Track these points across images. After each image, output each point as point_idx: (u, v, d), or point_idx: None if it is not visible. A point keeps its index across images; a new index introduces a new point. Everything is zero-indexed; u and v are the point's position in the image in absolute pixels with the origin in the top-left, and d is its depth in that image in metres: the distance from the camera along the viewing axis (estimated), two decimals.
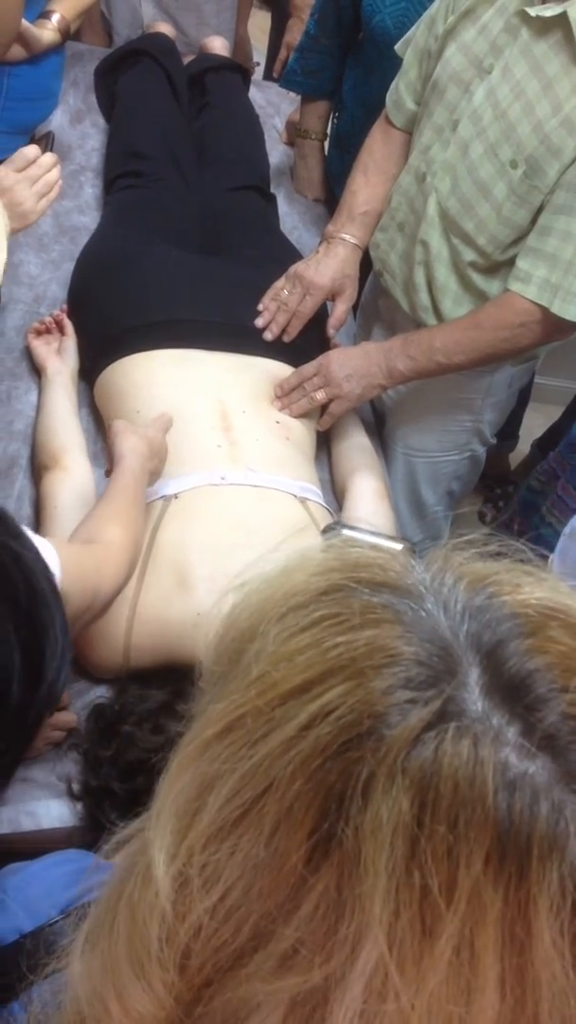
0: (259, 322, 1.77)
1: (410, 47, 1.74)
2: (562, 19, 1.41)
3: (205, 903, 0.42)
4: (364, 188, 1.81)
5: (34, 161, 1.50)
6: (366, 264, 1.90)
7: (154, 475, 1.48)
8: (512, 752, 0.40)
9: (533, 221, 1.55)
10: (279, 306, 1.77)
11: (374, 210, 1.80)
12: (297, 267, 1.79)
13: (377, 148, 1.82)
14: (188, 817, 0.44)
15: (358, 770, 0.40)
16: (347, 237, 1.80)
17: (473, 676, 0.42)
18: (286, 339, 1.77)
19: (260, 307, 1.78)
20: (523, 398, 2.76)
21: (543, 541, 1.90)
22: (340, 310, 1.82)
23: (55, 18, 2.00)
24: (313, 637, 0.44)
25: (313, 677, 0.42)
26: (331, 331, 1.84)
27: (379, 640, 0.43)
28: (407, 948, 0.38)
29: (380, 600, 0.45)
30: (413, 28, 1.75)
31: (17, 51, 1.91)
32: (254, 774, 0.42)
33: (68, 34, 2.06)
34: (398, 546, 0.89)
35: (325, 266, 1.77)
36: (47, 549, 0.91)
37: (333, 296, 1.81)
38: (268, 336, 1.77)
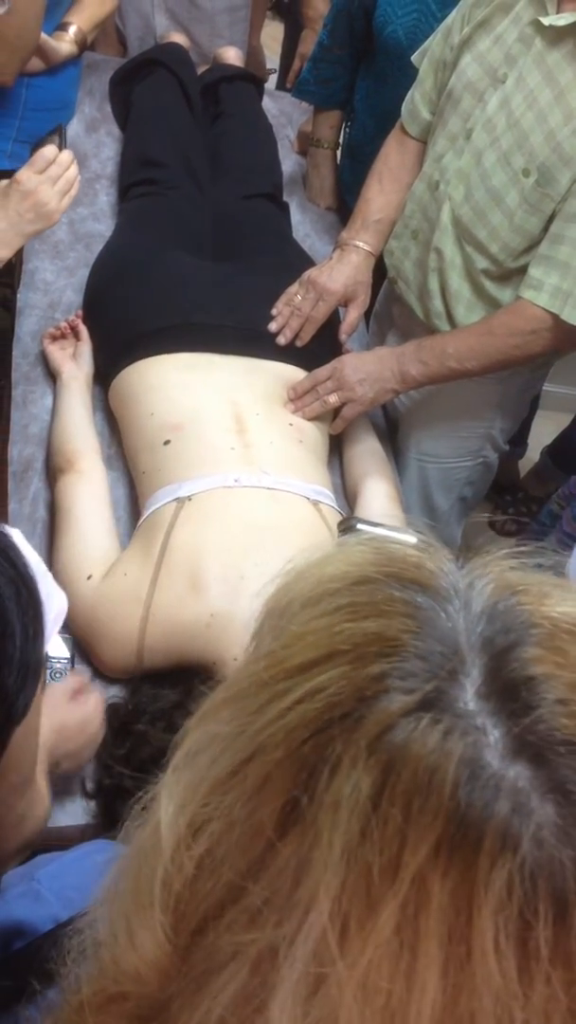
0: (272, 326, 1.79)
1: (426, 57, 1.76)
2: (574, 28, 1.43)
3: (193, 852, 0.44)
4: (378, 196, 1.83)
5: (53, 160, 1.52)
6: (380, 271, 1.92)
7: None
8: (488, 751, 0.40)
9: (545, 229, 1.56)
10: (292, 311, 1.78)
11: (388, 218, 1.82)
12: (311, 273, 1.81)
13: (392, 157, 1.84)
14: (192, 771, 0.46)
15: (332, 747, 0.41)
16: (360, 244, 1.82)
17: (472, 675, 0.42)
18: (299, 343, 1.79)
19: (274, 311, 1.80)
20: (532, 405, 2.77)
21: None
22: (352, 316, 1.83)
23: (72, 30, 2.02)
24: (329, 621, 0.45)
25: (316, 657, 0.44)
26: (343, 337, 1.86)
27: (387, 631, 0.44)
28: (350, 920, 0.39)
29: (404, 595, 0.46)
30: (430, 39, 1.77)
31: (36, 63, 1.93)
32: (248, 739, 0.44)
33: (85, 46, 2.08)
34: (412, 538, 0.91)
35: (339, 272, 1.79)
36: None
37: (346, 302, 1.82)
38: (281, 340, 1.78)
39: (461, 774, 0.39)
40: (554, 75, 1.47)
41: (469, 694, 0.42)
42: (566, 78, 1.46)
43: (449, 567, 0.49)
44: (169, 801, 0.46)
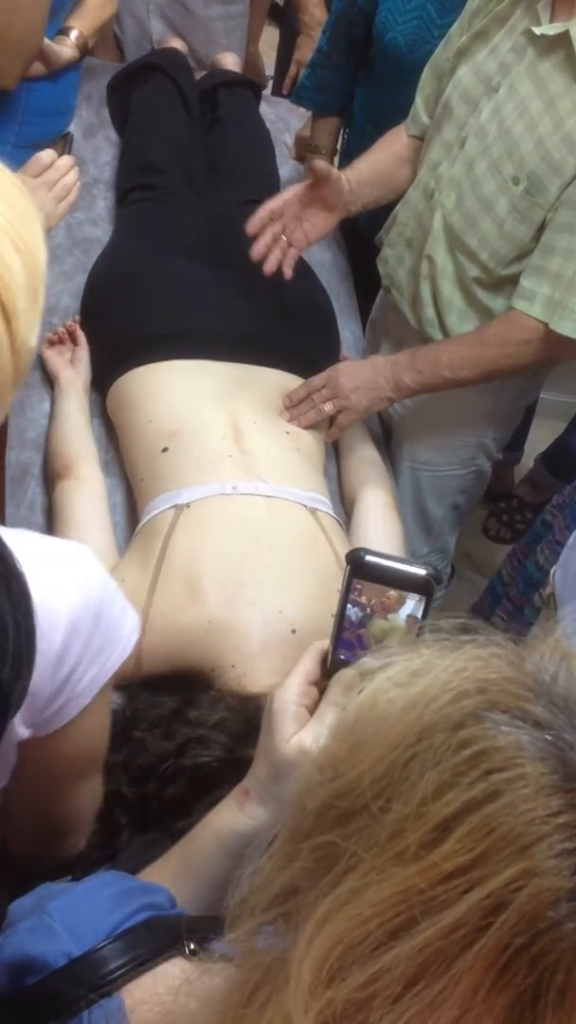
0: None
1: (428, 63, 1.77)
2: (564, 37, 1.44)
3: None
4: (359, 162, 1.86)
5: (50, 165, 1.51)
6: (378, 279, 1.93)
7: None
8: None
9: (535, 239, 1.57)
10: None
11: (358, 175, 1.82)
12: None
13: (379, 143, 1.88)
14: (335, 992, 0.42)
15: (552, 974, 0.39)
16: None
17: None
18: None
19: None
20: (528, 413, 2.78)
21: (530, 580, 1.91)
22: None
23: (73, 34, 2.02)
24: (464, 796, 0.42)
25: (475, 859, 0.41)
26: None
27: (536, 808, 0.41)
28: None
29: (518, 738, 0.44)
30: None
31: (37, 67, 1.93)
32: (426, 962, 0.41)
33: (86, 50, 2.08)
34: (422, 571, 0.91)
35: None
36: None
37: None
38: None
39: None
40: (545, 84, 1.48)
41: None
42: (556, 87, 1.47)
43: (536, 673, 0.47)
44: (308, 1008, 0.43)
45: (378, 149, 1.87)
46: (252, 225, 1.76)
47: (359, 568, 0.90)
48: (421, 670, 0.48)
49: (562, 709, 0.45)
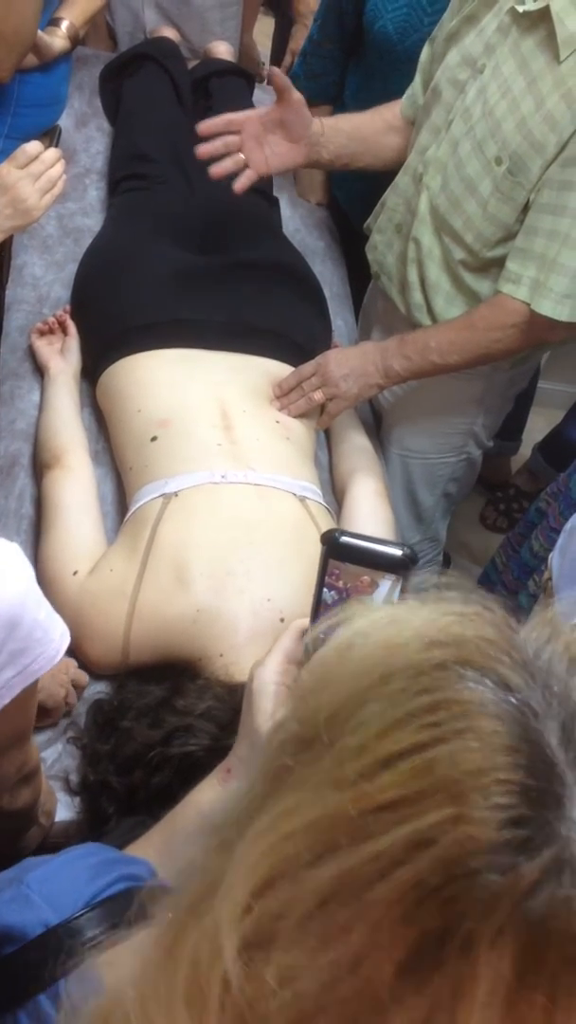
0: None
1: (426, 44, 1.77)
2: (546, 14, 1.43)
3: (276, 1002, 0.41)
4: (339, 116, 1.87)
5: (36, 157, 1.50)
6: (368, 268, 1.92)
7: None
8: None
9: (519, 220, 1.56)
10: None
11: (336, 126, 1.81)
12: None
13: (370, 110, 1.86)
14: (262, 906, 0.43)
15: (461, 920, 0.38)
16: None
17: None
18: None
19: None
20: (526, 402, 2.77)
21: (524, 567, 1.91)
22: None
23: (64, 25, 2.02)
24: (409, 737, 0.42)
25: (409, 795, 0.41)
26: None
27: (480, 759, 0.41)
28: None
29: (482, 694, 0.43)
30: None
31: (29, 59, 1.93)
32: (340, 886, 0.41)
33: (77, 40, 2.08)
34: (397, 551, 0.90)
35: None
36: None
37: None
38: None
39: None
40: (527, 63, 1.47)
41: None
42: (538, 65, 1.46)
43: (516, 639, 0.46)
44: (232, 934, 0.42)
45: (365, 113, 1.86)
46: (205, 126, 1.73)
47: (334, 549, 0.89)
48: (402, 617, 0.48)
49: (536, 680, 0.44)
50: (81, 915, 0.74)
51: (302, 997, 0.40)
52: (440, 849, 0.39)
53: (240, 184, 1.74)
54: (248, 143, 1.74)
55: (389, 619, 0.48)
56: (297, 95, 1.71)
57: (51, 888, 0.78)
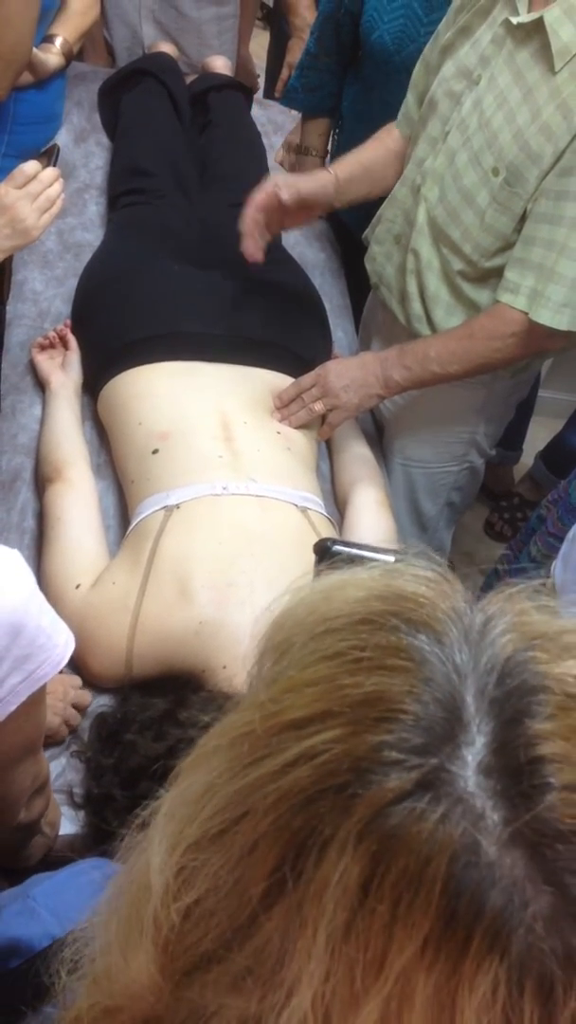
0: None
1: (419, 60, 1.78)
2: (540, 25, 1.44)
3: (180, 903, 0.43)
4: (347, 157, 1.88)
5: (34, 177, 1.50)
6: (367, 279, 1.92)
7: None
8: (485, 838, 0.38)
9: (517, 230, 1.57)
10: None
11: (347, 171, 1.84)
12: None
13: (371, 139, 1.88)
14: (183, 819, 0.45)
15: (323, 823, 0.39)
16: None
17: (475, 747, 0.40)
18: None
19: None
20: (526, 411, 2.78)
21: (523, 573, 1.90)
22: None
23: (58, 42, 2.03)
24: (329, 670, 0.43)
25: (312, 715, 0.42)
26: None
27: (389, 691, 0.42)
28: (332, 1011, 0.38)
29: (410, 642, 0.44)
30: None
31: (25, 76, 1.94)
32: (237, 797, 0.42)
33: (72, 57, 2.09)
34: (390, 558, 0.90)
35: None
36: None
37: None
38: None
39: (454, 867, 0.37)
40: (523, 74, 1.48)
41: (470, 770, 0.39)
42: (533, 76, 1.47)
43: (462, 606, 0.46)
44: (160, 843, 0.45)
45: (369, 145, 1.87)
46: (245, 226, 1.79)
47: (327, 558, 0.89)
48: (357, 576, 0.49)
49: (469, 644, 0.44)
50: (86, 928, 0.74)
51: (198, 900, 0.42)
52: (321, 762, 0.40)
53: (260, 256, 1.79)
54: (271, 216, 1.79)
55: (346, 576, 0.49)
56: (325, 202, 1.79)
57: (57, 902, 0.79)
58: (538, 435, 2.96)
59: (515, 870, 0.37)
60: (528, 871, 0.38)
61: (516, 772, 0.39)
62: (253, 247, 1.77)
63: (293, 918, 0.39)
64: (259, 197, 1.76)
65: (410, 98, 1.80)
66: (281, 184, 1.77)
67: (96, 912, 0.50)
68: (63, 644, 0.92)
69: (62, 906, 0.79)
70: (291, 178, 1.78)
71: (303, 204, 1.77)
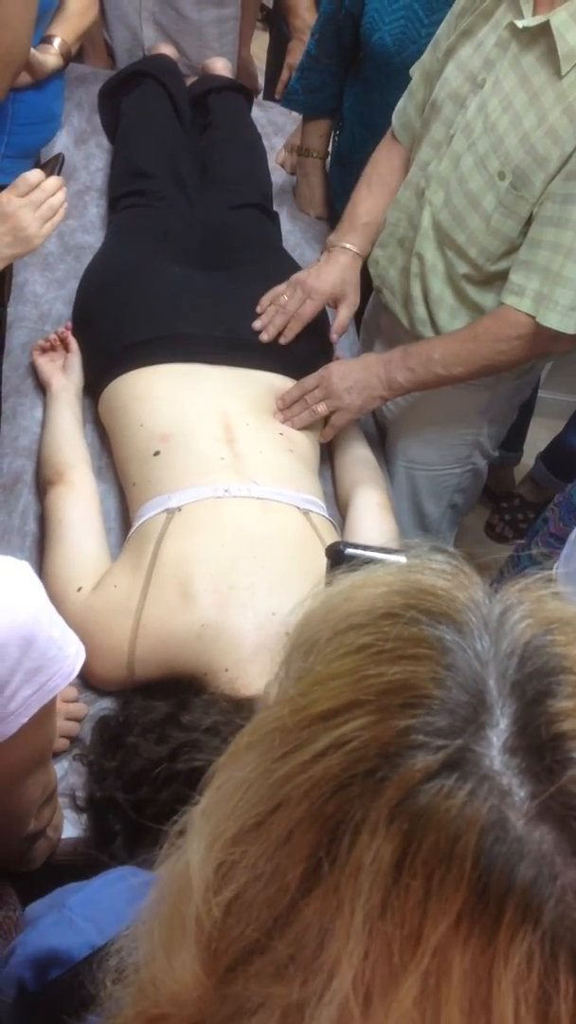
0: (257, 324, 1.79)
1: (418, 68, 1.77)
2: (546, 29, 1.43)
3: (221, 898, 0.44)
4: (366, 200, 1.85)
5: (37, 185, 1.50)
6: (369, 281, 1.92)
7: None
8: (513, 813, 0.39)
9: (523, 233, 1.56)
10: (278, 309, 1.78)
11: (375, 221, 1.83)
12: (298, 275, 1.82)
13: (381, 163, 1.85)
14: (220, 816, 0.45)
15: (354, 808, 0.40)
16: (348, 246, 1.83)
17: (499, 728, 0.41)
18: (282, 341, 1.78)
19: (259, 309, 1.80)
20: (527, 412, 2.77)
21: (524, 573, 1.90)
22: (342, 315, 1.83)
23: (56, 42, 2.03)
24: (354, 663, 0.44)
25: (339, 706, 0.43)
26: (334, 336, 1.87)
27: (413, 678, 0.43)
28: (373, 989, 0.39)
29: (432, 632, 0.45)
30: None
31: (23, 77, 1.94)
32: (271, 789, 0.43)
33: (70, 57, 2.09)
34: (402, 559, 0.89)
35: (326, 272, 1.80)
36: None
37: (335, 303, 1.82)
38: (264, 337, 1.78)
39: (484, 842, 0.38)
40: (528, 77, 1.48)
41: (495, 749, 0.41)
42: (539, 80, 1.47)
43: (480, 597, 0.48)
44: (199, 842, 0.46)
45: (379, 166, 1.86)
46: (261, 307, 1.82)
47: (340, 561, 0.89)
48: (377, 574, 0.50)
49: (489, 633, 0.45)
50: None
51: (239, 894, 0.43)
52: (350, 749, 0.41)
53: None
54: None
55: (364, 575, 0.50)
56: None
57: (94, 910, 0.79)
58: (538, 436, 2.96)
59: (543, 844, 0.38)
60: (557, 843, 0.39)
61: (540, 749, 0.40)
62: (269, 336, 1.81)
63: (330, 901, 0.40)
64: (284, 318, 1.79)
65: (410, 108, 1.80)
66: (308, 295, 1.78)
67: (139, 919, 0.50)
68: (74, 655, 0.91)
69: (99, 914, 0.79)
70: (314, 282, 1.79)
71: (335, 298, 1.83)
